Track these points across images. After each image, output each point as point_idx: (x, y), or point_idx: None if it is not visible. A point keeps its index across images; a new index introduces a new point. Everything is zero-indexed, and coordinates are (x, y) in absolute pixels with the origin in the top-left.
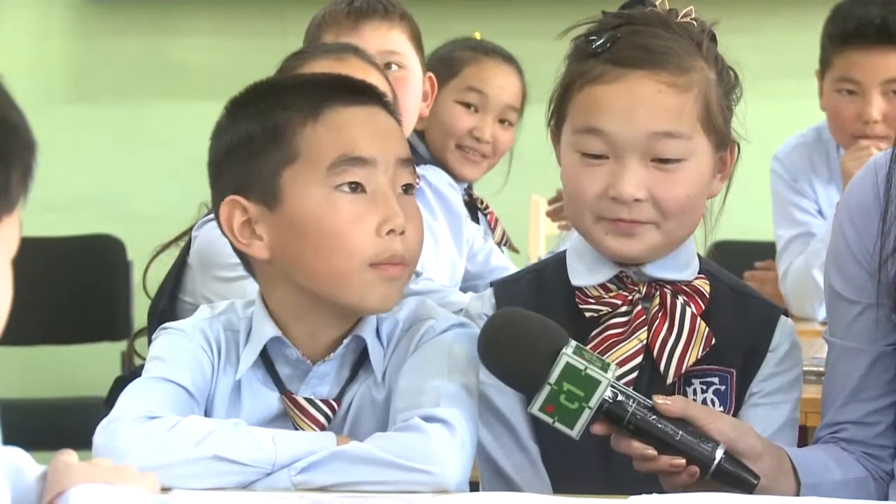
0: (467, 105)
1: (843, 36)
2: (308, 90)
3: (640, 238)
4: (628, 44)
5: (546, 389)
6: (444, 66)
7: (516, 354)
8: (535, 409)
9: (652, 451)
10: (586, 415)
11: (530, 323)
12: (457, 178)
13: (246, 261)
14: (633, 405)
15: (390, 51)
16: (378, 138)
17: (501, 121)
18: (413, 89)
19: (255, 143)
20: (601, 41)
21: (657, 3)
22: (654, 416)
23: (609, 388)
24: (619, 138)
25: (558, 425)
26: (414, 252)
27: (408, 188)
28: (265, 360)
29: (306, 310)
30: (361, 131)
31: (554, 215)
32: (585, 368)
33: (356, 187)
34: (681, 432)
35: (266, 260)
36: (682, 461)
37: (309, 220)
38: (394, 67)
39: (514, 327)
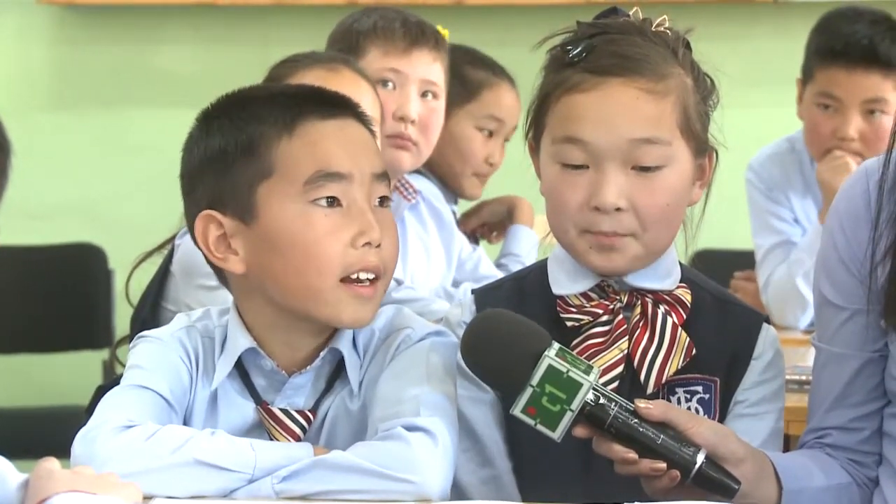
0: (486, 131)
1: (828, 52)
2: (281, 103)
3: (622, 252)
4: (605, 52)
5: (528, 391)
6: (460, 85)
7: (498, 355)
8: (516, 410)
9: (633, 455)
10: (568, 417)
11: (513, 324)
12: (464, 197)
13: (220, 273)
14: (615, 408)
15: (432, 81)
16: (353, 152)
17: (505, 140)
18: (440, 119)
19: (228, 156)
20: (577, 50)
21: (630, 13)
22: (636, 420)
23: (591, 390)
24: (599, 146)
25: (540, 427)
26: (389, 264)
27: (383, 201)
28: (241, 370)
29: (282, 323)
30: (336, 145)
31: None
32: (567, 371)
33: (332, 202)
34: (662, 436)
35: (242, 274)
36: (663, 465)
37: (285, 236)
38: (429, 97)
39: (496, 329)
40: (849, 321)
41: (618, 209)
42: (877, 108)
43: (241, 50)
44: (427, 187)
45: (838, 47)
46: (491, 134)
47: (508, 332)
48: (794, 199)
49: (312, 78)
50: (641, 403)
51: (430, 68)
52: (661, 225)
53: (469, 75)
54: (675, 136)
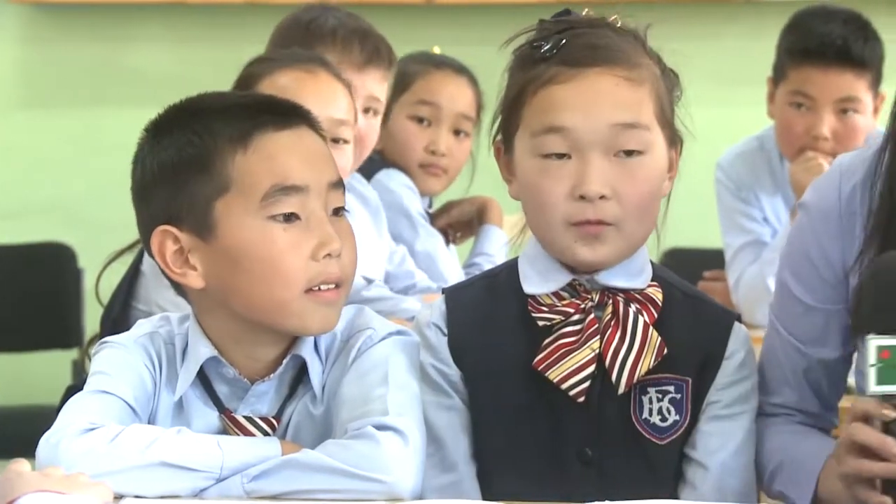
0: (420, 119)
1: (801, 51)
2: (234, 114)
3: (606, 242)
4: (577, 45)
5: None
6: (396, 81)
7: None
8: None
9: None
10: None
11: None
12: (421, 192)
13: (178, 285)
14: None
15: (377, 98)
16: (309, 163)
17: (456, 132)
18: (375, 135)
19: (182, 171)
20: (549, 45)
21: (582, 13)
22: None
23: None
24: (582, 133)
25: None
26: (349, 272)
27: (338, 210)
28: (203, 378)
29: (244, 333)
30: (292, 157)
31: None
32: None
33: (291, 217)
34: None
35: (201, 288)
36: None
37: (245, 251)
38: (370, 113)
39: None
40: (806, 314)
41: (602, 197)
42: (850, 107)
43: (214, 49)
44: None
45: (812, 46)
46: (427, 122)
47: None
48: (764, 198)
49: (288, 79)
50: None
51: (379, 86)
52: (641, 214)
53: (404, 69)
54: (653, 123)
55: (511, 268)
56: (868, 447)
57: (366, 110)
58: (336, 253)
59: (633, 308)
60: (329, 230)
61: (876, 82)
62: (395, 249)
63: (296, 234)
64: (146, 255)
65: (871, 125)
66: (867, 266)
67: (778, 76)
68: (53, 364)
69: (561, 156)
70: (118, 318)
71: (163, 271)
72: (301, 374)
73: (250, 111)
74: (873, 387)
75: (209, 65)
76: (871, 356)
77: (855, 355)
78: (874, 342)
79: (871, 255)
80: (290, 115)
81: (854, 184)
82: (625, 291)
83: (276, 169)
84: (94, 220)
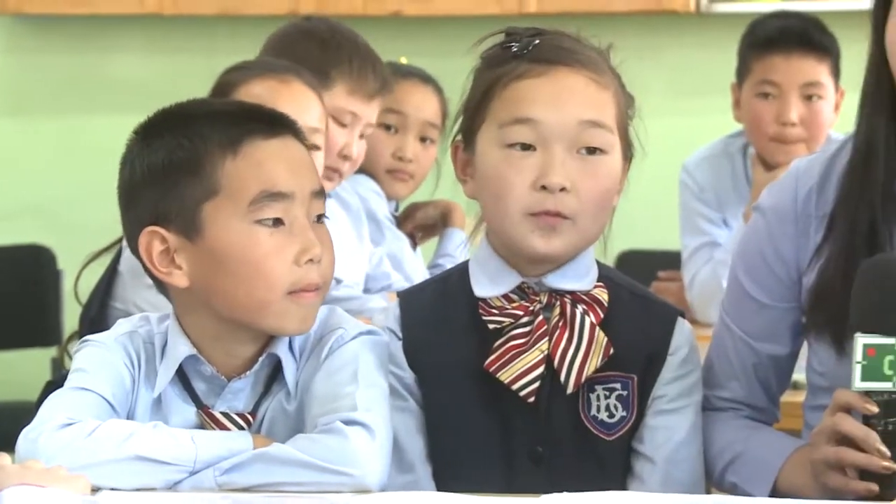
0: (387, 127)
1: (764, 43)
2: (224, 121)
3: (561, 235)
4: (549, 46)
5: (893, 341)
6: None
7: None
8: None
9: (890, 464)
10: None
11: None
12: (388, 197)
13: (161, 284)
14: None
15: (372, 123)
16: (295, 172)
17: (423, 139)
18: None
19: (172, 173)
20: (520, 45)
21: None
22: None
23: None
24: (549, 127)
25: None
26: (328, 277)
27: (320, 217)
28: (181, 376)
29: (223, 332)
30: (279, 165)
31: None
32: None
33: (276, 221)
34: None
35: (185, 287)
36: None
37: (231, 253)
38: (363, 138)
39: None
40: (759, 312)
41: (562, 189)
42: (814, 92)
43: (188, 59)
44: (353, 181)
45: (775, 35)
46: (395, 129)
47: None
48: (725, 199)
49: (263, 88)
50: None
51: (377, 112)
52: (596, 211)
53: None
54: (615, 127)
55: (462, 271)
56: (850, 438)
57: (361, 135)
58: (318, 258)
59: (580, 309)
60: (311, 236)
61: (836, 73)
62: (374, 252)
63: (280, 239)
64: (123, 256)
65: (833, 118)
66: (861, 270)
67: (742, 76)
68: (33, 361)
69: (526, 147)
70: (96, 316)
71: (147, 270)
72: (276, 371)
73: (239, 119)
74: (858, 382)
75: (184, 73)
76: (858, 353)
77: (807, 352)
78: (861, 340)
79: (826, 257)
80: (278, 124)
81: (810, 187)
82: (572, 293)
83: (264, 176)
84: (73, 223)
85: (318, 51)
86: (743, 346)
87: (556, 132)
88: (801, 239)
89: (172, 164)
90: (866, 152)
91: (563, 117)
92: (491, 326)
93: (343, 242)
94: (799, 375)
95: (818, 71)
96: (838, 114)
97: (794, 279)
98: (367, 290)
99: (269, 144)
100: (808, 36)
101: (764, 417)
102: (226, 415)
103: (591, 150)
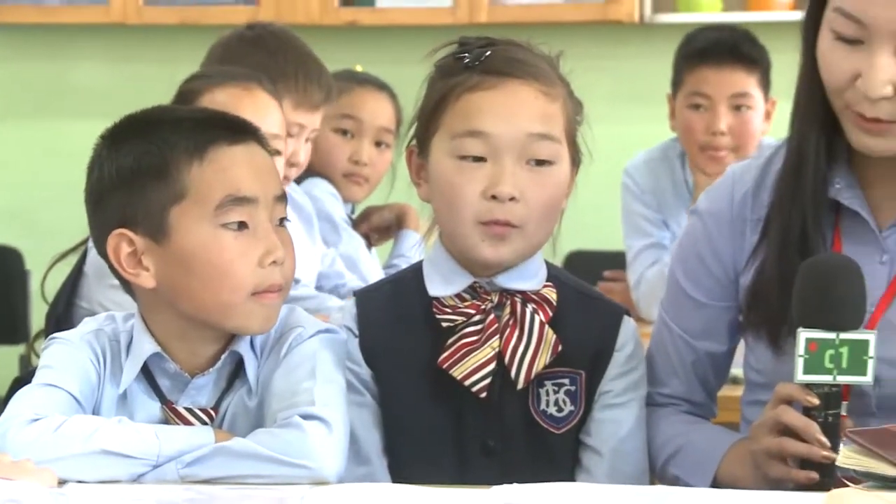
0: (343, 132)
1: (697, 54)
2: (190, 127)
3: (510, 243)
4: (500, 58)
5: (833, 336)
6: None
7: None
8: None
9: (829, 445)
10: (828, 380)
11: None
12: (344, 199)
13: (128, 284)
14: (837, 408)
15: (317, 129)
16: (259, 177)
17: (378, 144)
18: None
19: (139, 177)
20: (472, 56)
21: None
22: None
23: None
24: (500, 139)
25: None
26: (290, 278)
27: (282, 220)
28: (146, 372)
29: (187, 331)
30: (244, 171)
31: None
32: (870, 358)
33: (241, 225)
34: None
35: (151, 288)
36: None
37: (197, 255)
38: (309, 142)
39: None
40: (697, 311)
41: (512, 199)
42: (743, 103)
43: (150, 67)
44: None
45: (706, 48)
46: (350, 134)
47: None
48: (664, 201)
49: (225, 95)
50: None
51: (321, 117)
52: (543, 219)
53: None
54: (563, 138)
55: (416, 271)
56: (791, 429)
57: (306, 140)
58: (280, 261)
59: (529, 308)
60: (274, 239)
61: (765, 84)
62: (326, 252)
63: (245, 242)
64: (89, 257)
65: (762, 127)
66: (802, 269)
67: (676, 87)
68: (1, 359)
69: (477, 158)
70: (62, 315)
71: (115, 271)
72: (238, 368)
73: (205, 125)
74: (800, 375)
75: (146, 81)
76: (801, 347)
77: (744, 350)
78: (804, 335)
79: (762, 259)
80: (242, 130)
81: (745, 191)
82: (522, 292)
83: (229, 181)
84: (40, 225)
85: (265, 61)
86: (682, 343)
87: (506, 144)
88: (738, 240)
89: (140, 169)
90: (798, 160)
91: (513, 130)
92: (444, 324)
93: (296, 243)
94: (737, 370)
95: (747, 82)
96: (770, 122)
97: (731, 279)
98: (318, 289)
99: (234, 150)
100: (738, 48)
101: (702, 412)
102: (189, 410)
103: (540, 162)
